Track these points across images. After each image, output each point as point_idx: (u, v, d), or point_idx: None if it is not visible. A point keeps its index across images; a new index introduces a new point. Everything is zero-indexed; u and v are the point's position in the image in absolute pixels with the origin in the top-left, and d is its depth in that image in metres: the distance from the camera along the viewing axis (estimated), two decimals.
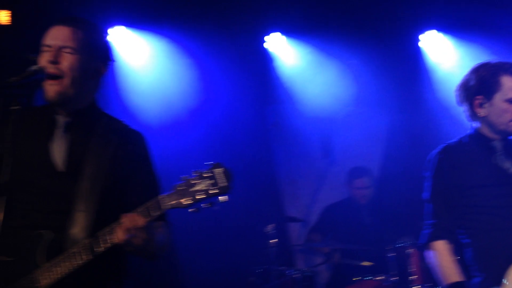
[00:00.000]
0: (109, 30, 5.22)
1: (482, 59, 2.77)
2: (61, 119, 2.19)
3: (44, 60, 2.11)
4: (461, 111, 2.84)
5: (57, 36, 2.14)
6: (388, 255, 4.59)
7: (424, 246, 2.76)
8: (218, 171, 1.97)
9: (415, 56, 5.75)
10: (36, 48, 2.17)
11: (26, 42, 3.44)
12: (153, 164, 2.29)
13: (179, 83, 5.48)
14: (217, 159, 2.03)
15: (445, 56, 5.66)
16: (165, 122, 5.38)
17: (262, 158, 5.74)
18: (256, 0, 5.24)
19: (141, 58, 5.48)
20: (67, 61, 2.11)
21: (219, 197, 1.98)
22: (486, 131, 2.72)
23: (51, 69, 2.09)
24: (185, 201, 1.98)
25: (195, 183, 1.98)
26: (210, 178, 1.97)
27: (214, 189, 1.97)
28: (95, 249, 2.01)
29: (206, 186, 1.97)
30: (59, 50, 2.12)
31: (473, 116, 2.74)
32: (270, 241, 4.78)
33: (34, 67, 2.00)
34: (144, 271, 4.66)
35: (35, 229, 2.07)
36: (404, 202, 5.34)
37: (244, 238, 5.34)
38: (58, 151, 2.16)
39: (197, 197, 1.97)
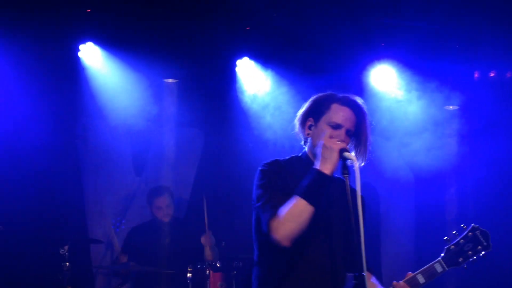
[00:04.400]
0: None
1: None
2: None
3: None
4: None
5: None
6: (187, 275, 4.57)
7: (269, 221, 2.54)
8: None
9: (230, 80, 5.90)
10: None
11: None
12: None
13: None
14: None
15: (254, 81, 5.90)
16: None
17: (67, 175, 5.38)
18: (69, 8, 4.95)
19: None
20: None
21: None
22: (310, 154, 2.75)
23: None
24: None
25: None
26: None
27: None
28: None
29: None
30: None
31: (304, 139, 2.78)
32: (64, 263, 4.46)
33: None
34: None
35: None
36: (214, 222, 5.40)
37: (39, 260, 4.95)
38: None
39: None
